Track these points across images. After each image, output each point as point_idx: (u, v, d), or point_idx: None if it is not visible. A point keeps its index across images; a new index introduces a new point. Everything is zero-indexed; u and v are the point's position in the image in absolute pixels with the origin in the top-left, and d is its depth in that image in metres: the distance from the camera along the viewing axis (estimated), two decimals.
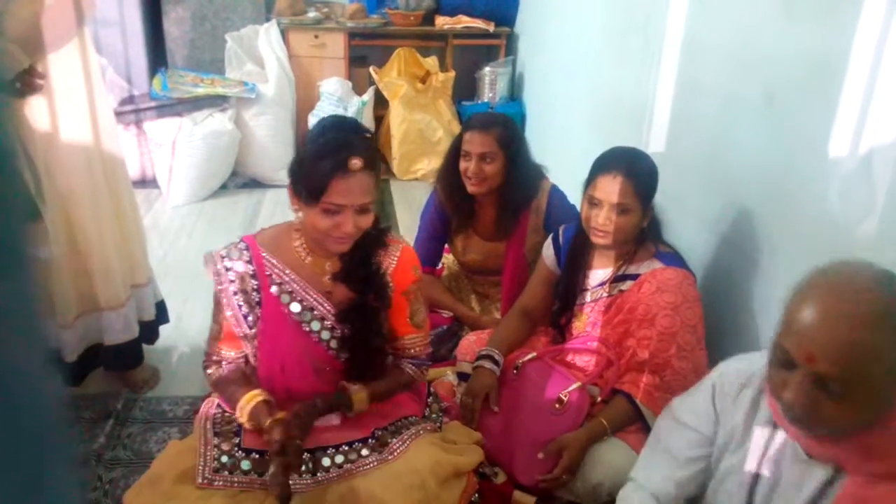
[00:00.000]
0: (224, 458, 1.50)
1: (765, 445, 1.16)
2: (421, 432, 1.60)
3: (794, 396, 0.98)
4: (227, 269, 1.56)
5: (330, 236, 1.48)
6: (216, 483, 1.44)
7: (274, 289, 1.56)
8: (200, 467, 1.46)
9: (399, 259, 1.63)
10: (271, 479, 1.33)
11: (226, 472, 1.47)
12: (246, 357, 1.63)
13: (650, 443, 1.45)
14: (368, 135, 1.51)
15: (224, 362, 1.61)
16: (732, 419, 1.23)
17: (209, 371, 1.61)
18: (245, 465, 1.49)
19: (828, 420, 0.98)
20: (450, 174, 2.25)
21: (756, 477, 1.16)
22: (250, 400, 1.47)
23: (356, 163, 1.41)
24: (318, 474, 1.46)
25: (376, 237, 1.61)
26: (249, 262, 1.57)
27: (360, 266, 1.58)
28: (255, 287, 1.56)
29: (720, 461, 1.26)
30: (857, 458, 1.02)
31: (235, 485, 1.44)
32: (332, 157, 1.42)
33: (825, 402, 0.97)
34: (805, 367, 0.97)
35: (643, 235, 1.86)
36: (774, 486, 1.14)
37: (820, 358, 0.95)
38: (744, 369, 1.25)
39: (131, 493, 1.45)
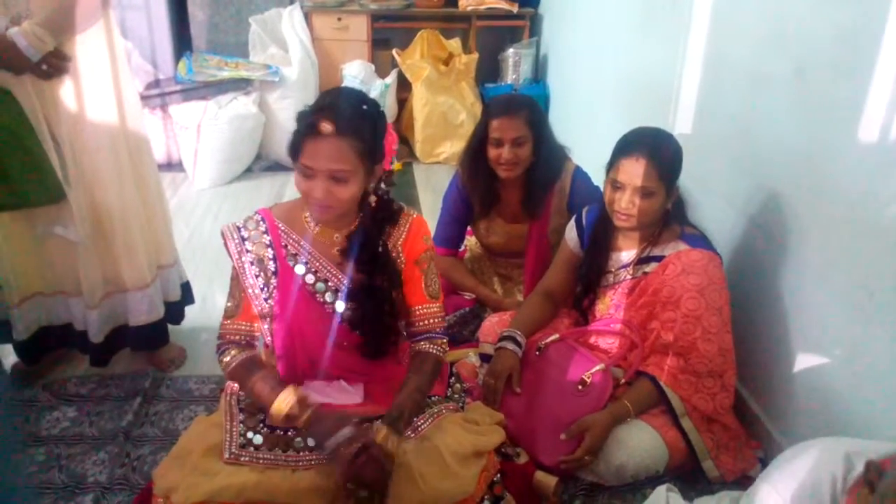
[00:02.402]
0: (249, 435, 1.52)
1: None
2: (443, 412, 1.61)
3: None
4: (244, 240, 1.57)
5: (308, 201, 1.50)
6: (242, 459, 1.46)
7: (290, 260, 1.58)
8: (227, 443, 1.48)
9: (409, 230, 1.63)
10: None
11: (252, 449, 1.49)
12: (264, 344, 1.64)
13: None
14: (365, 106, 1.49)
15: (242, 342, 1.61)
16: None
17: (225, 360, 1.60)
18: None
19: None
20: (474, 160, 2.23)
21: None
22: (283, 403, 1.46)
23: (325, 126, 1.41)
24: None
25: (386, 219, 1.61)
26: (266, 232, 1.58)
27: (364, 247, 1.58)
28: (272, 257, 1.58)
29: None
30: None
31: (261, 461, 1.46)
32: (309, 117, 1.44)
33: None
34: None
35: (668, 217, 1.83)
36: None
37: None
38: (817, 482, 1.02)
39: (160, 469, 1.47)
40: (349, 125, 1.44)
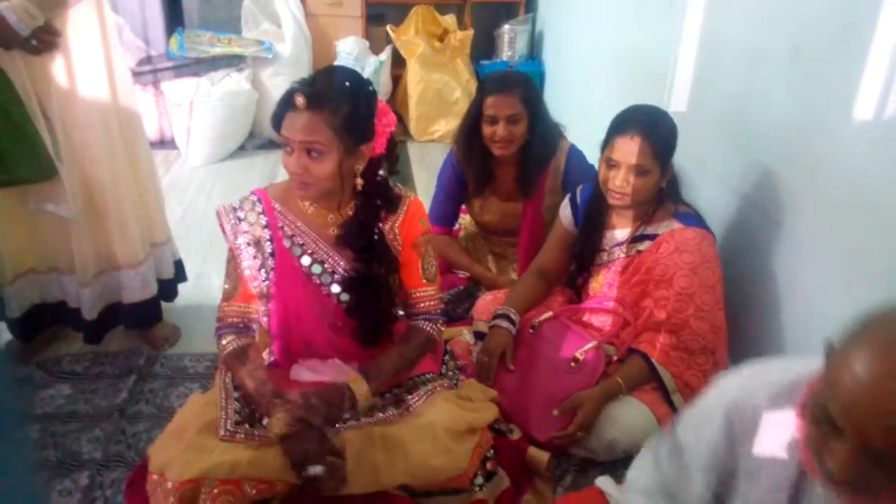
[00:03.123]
0: (245, 412, 1.52)
1: (793, 481, 1.00)
2: (437, 389, 1.62)
3: (840, 469, 0.84)
4: (240, 221, 1.57)
5: (290, 176, 1.52)
6: (238, 436, 1.46)
7: (286, 241, 1.57)
8: (222, 420, 1.49)
9: (406, 212, 1.63)
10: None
11: (247, 426, 1.49)
12: (260, 326, 1.64)
13: (651, 453, 1.28)
14: (348, 83, 1.49)
15: (243, 323, 1.61)
16: (750, 448, 1.06)
17: (223, 342, 1.59)
18: (265, 419, 1.51)
19: (876, 492, 0.85)
20: (469, 137, 2.22)
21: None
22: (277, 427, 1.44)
23: (299, 99, 1.44)
24: (338, 426, 1.48)
25: (384, 205, 1.61)
26: (262, 213, 1.58)
27: (359, 234, 1.57)
28: (269, 238, 1.57)
29: (733, 485, 1.10)
30: None
31: (256, 438, 1.47)
32: (289, 92, 1.47)
33: (876, 474, 0.82)
34: (854, 438, 0.82)
35: (662, 195, 1.83)
36: None
37: (874, 434, 0.80)
38: (768, 383, 1.05)
39: (155, 447, 1.47)
40: (323, 99, 1.45)
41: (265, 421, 1.47)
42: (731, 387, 1.10)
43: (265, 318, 1.64)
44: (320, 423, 1.41)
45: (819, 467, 0.89)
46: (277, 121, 1.49)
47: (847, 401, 0.82)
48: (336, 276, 1.59)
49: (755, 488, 1.04)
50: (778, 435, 1.01)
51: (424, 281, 1.67)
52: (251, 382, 1.51)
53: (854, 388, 0.81)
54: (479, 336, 2.06)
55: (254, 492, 1.38)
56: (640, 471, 1.27)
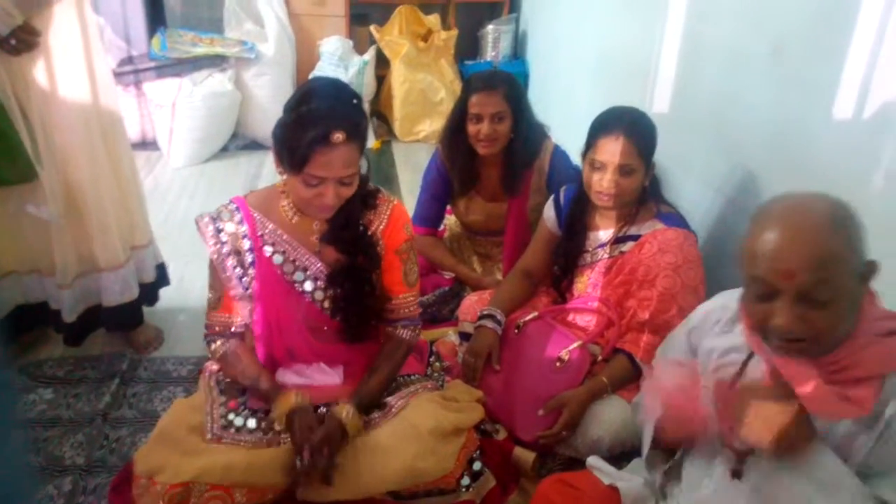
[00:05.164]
0: (231, 416, 1.51)
1: (739, 366, 1.20)
2: (420, 390, 1.62)
3: (786, 320, 1.02)
4: (219, 231, 1.56)
5: (311, 205, 1.47)
6: (224, 440, 1.46)
7: (267, 249, 1.56)
8: (209, 424, 1.48)
9: (390, 217, 1.62)
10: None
11: (233, 430, 1.49)
12: (247, 325, 1.63)
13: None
14: (356, 101, 1.48)
15: (228, 331, 1.61)
16: (708, 345, 1.29)
17: (212, 347, 1.61)
18: (251, 423, 1.51)
19: (821, 332, 1.03)
20: (454, 137, 2.22)
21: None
22: (286, 405, 1.48)
23: (339, 136, 1.38)
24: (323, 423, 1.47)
25: (363, 199, 1.59)
26: (241, 222, 1.56)
27: (345, 228, 1.57)
28: (249, 248, 1.56)
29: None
30: (830, 372, 1.06)
31: (242, 443, 1.46)
32: (315, 128, 1.37)
33: (814, 314, 1.01)
34: (786, 287, 1.01)
35: (644, 195, 1.85)
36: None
37: (799, 270, 1.00)
38: (721, 305, 1.30)
39: (143, 451, 1.45)
40: (357, 129, 1.42)
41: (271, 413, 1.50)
42: (695, 313, 1.37)
43: (250, 319, 1.64)
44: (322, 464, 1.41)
45: (766, 337, 1.07)
46: (301, 160, 1.40)
47: (770, 258, 1.02)
48: (319, 283, 1.59)
49: (710, 376, 1.23)
50: (725, 335, 1.25)
51: (406, 287, 1.67)
52: (246, 380, 1.54)
53: (771, 247, 1.02)
54: (464, 337, 2.06)
55: (244, 499, 1.38)
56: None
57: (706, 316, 1.33)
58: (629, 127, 1.75)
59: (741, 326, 1.19)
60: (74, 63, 1.88)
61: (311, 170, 1.40)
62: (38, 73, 1.82)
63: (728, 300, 1.22)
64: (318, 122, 1.38)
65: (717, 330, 1.28)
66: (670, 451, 1.36)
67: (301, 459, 1.39)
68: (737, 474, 1.17)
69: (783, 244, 1.02)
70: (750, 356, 1.20)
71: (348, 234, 1.57)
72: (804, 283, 1.00)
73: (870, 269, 1.05)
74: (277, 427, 1.49)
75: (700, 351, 1.31)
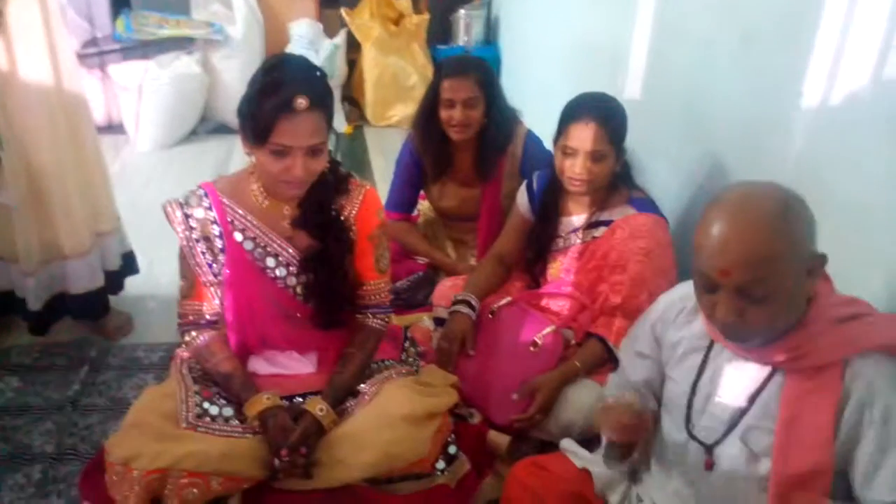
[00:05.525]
0: (206, 405, 1.50)
1: (703, 354, 1.23)
2: (394, 375, 1.62)
3: (724, 314, 1.06)
4: (188, 217, 1.53)
5: (281, 180, 1.45)
6: (199, 429, 1.44)
7: (237, 235, 1.55)
8: (183, 413, 1.46)
9: (362, 202, 1.61)
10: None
11: (207, 419, 1.47)
12: (220, 314, 1.62)
13: (618, 372, 1.52)
14: (318, 73, 1.46)
15: (202, 320, 1.59)
16: (672, 337, 1.31)
17: (186, 339, 1.59)
18: (227, 411, 1.50)
19: (758, 326, 1.06)
20: (427, 122, 2.22)
21: (697, 378, 1.23)
22: (256, 408, 1.47)
23: (301, 101, 1.36)
24: (298, 420, 1.47)
25: (334, 183, 1.58)
26: (210, 208, 1.54)
27: (317, 212, 1.56)
28: (218, 234, 1.54)
29: (666, 372, 1.33)
30: (788, 359, 1.10)
31: (217, 432, 1.45)
32: (277, 95, 1.36)
33: (752, 309, 1.04)
34: (725, 282, 1.04)
35: (616, 180, 1.86)
36: (714, 383, 1.21)
37: (734, 269, 1.03)
38: (682, 295, 1.32)
39: (115, 439, 1.43)
40: (319, 96, 1.40)
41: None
42: (656, 305, 1.39)
43: (222, 308, 1.62)
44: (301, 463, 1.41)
45: (714, 325, 1.11)
46: (265, 131, 1.38)
47: (710, 255, 1.05)
48: (291, 269, 1.58)
49: (677, 369, 1.28)
50: (688, 324, 1.28)
51: (377, 273, 1.66)
52: (218, 377, 1.53)
53: (711, 244, 1.05)
54: (438, 322, 2.07)
55: (220, 487, 1.37)
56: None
57: (668, 307, 1.34)
58: (600, 113, 1.77)
59: (702, 316, 1.21)
60: (35, 44, 1.84)
61: (277, 138, 1.38)
62: None
63: (688, 290, 1.25)
64: (279, 89, 1.37)
65: (680, 320, 1.30)
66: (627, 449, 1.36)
67: (279, 459, 1.39)
68: (708, 465, 1.20)
69: (722, 242, 1.04)
70: (711, 345, 1.22)
71: (321, 218, 1.56)
72: (740, 281, 1.03)
73: (819, 262, 1.07)
74: (249, 417, 1.48)
75: (664, 343, 1.33)
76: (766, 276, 1.02)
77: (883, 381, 1.04)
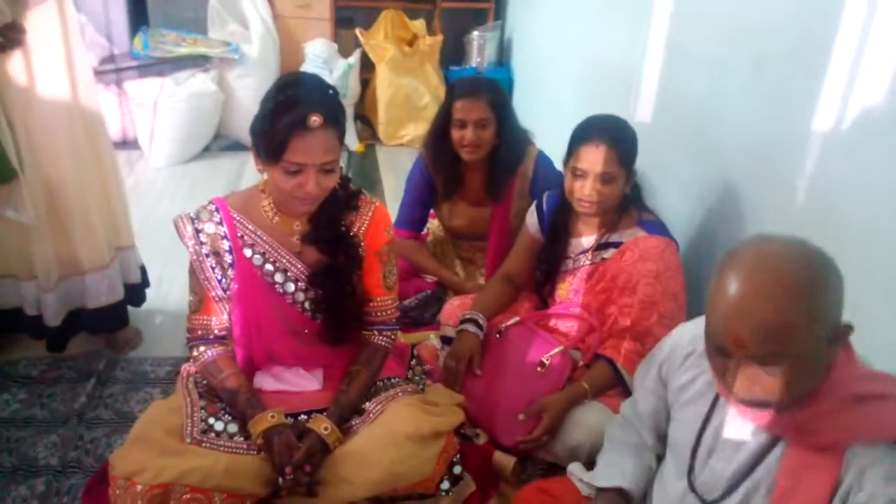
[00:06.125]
0: (211, 420, 1.49)
1: (710, 403, 1.18)
2: (399, 393, 1.61)
3: (737, 383, 0.99)
4: (198, 232, 1.54)
5: (294, 197, 1.46)
6: (204, 445, 1.43)
7: (247, 251, 1.55)
8: (188, 428, 1.46)
9: (371, 219, 1.61)
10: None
11: (213, 435, 1.47)
12: (228, 329, 1.62)
13: (631, 399, 1.50)
14: (331, 90, 1.47)
15: (210, 335, 1.59)
16: (678, 381, 1.26)
17: (194, 353, 1.59)
18: (232, 427, 1.50)
19: (769, 395, 1.00)
20: (438, 141, 2.23)
21: (702, 428, 1.18)
22: (261, 426, 1.46)
23: (315, 119, 1.37)
24: (303, 439, 1.46)
25: (345, 199, 1.59)
26: (220, 223, 1.55)
27: (327, 228, 1.56)
28: (228, 248, 1.55)
29: (671, 413, 1.30)
30: (795, 432, 1.04)
31: (222, 448, 1.44)
32: (291, 113, 1.37)
33: (764, 378, 0.98)
34: (737, 352, 0.97)
35: (626, 202, 1.86)
36: (718, 437, 1.16)
37: (749, 341, 0.95)
38: (691, 338, 1.26)
39: (120, 452, 1.42)
40: (333, 114, 1.42)
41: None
42: (663, 344, 1.33)
43: (230, 323, 1.62)
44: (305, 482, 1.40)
45: (727, 391, 1.04)
46: (279, 149, 1.39)
47: (723, 322, 0.98)
48: (300, 284, 1.58)
49: (682, 413, 1.24)
50: (696, 369, 1.22)
51: (384, 290, 1.66)
52: (224, 393, 1.53)
53: (726, 311, 0.97)
54: (446, 341, 2.06)
55: None
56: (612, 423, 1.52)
57: (675, 348, 1.29)
58: (610, 135, 1.77)
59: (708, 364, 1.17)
60: (55, 62, 1.86)
61: (290, 156, 1.39)
62: (18, 71, 1.79)
63: (699, 331, 1.15)
64: (294, 107, 1.38)
65: (688, 364, 1.24)
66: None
67: (284, 477, 1.38)
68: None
69: (738, 308, 0.96)
70: (717, 397, 1.17)
71: (331, 234, 1.57)
72: (754, 353, 0.96)
73: (842, 332, 0.99)
74: (253, 436, 1.48)
75: (670, 386, 1.28)
76: (782, 349, 0.95)
77: (874, 472, 0.96)
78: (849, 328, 1.00)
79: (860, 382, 1.02)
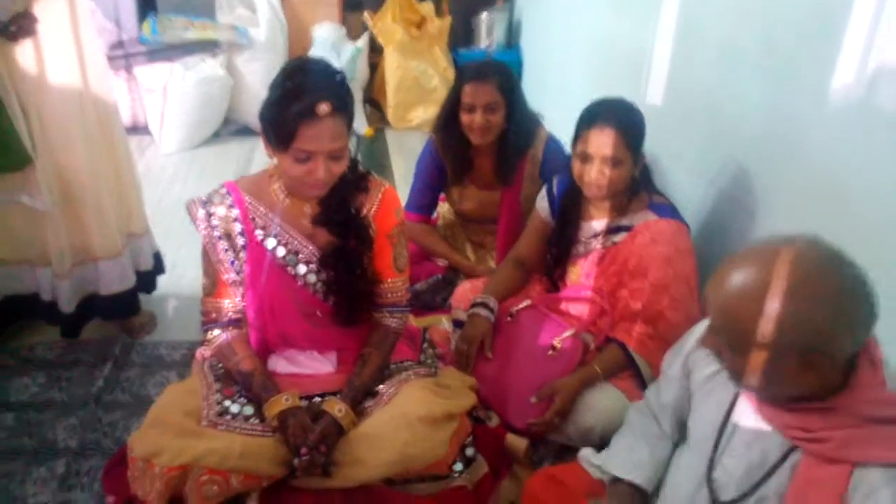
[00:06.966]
0: (227, 403, 1.52)
1: (732, 398, 1.18)
2: (412, 376, 1.63)
3: (748, 376, 1.02)
4: (210, 215, 1.55)
5: (304, 183, 1.47)
6: (220, 427, 1.46)
7: (259, 233, 1.57)
8: (205, 411, 1.48)
9: (381, 201, 1.62)
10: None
11: (228, 417, 1.49)
12: (242, 311, 1.63)
13: (654, 386, 1.49)
14: (339, 76, 1.47)
15: (225, 318, 1.61)
16: (701, 374, 1.27)
17: (209, 336, 1.61)
18: (248, 410, 1.52)
19: (785, 387, 1.02)
20: (448, 125, 2.23)
21: (724, 422, 1.18)
22: (275, 408, 1.48)
23: (324, 107, 1.37)
24: (318, 420, 1.48)
25: (354, 181, 1.60)
26: (232, 206, 1.56)
27: (338, 210, 1.57)
28: (240, 231, 1.56)
29: (692, 404, 1.30)
30: (803, 437, 1.04)
31: (238, 430, 1.47)
32: (299, 101, 1.37)
33: (775, 367, 0.99)
34: (740, 343, 1.00)
35: (635, 185, 1.86)
36: (737, 433, 1.16)
37: (750, 329, 0.98)
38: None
39: (138, 435, 1.45)
40: (341, 100, 1.42)
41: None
42: (691, 334, 1.34)
43: (243, 304, 1.64)
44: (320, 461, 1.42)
45: (739, 384, 1.07)
46: (288, 136, 1.39)
47: (722, 309, 1.02)
48: (311, 266, 1.59)
49: (704, 405, 1.25)
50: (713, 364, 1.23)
51: (395, 271, 1.67)
52: (238, 376, 1.55)
53: (725, 298, 1.01)
54: (457, 324, 2.07)
55: (239, 485, 1.39)
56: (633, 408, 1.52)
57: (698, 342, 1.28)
58: (617, 119, 1.76)
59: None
60: (66, 49, 1.87)
61: (300, 144, 1.40)
62: (28, 59, 1.80)
63: None
64: (302, 95, 1.38)
65: (709, 359, 1.24)
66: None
67: (299, 458, 1.40)
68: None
69: (735, 298, 1.00)
70: (738, 392, 1.17)
71: (341, 216, 1.58)
72: (758, 339, 0.98)
73: (860, 350, 1.00)
74: (268, 417, 1.50)
75: (693, 377, 1.30)
76: (793, 340, 0.96)
77: (882, 496, 0.95)
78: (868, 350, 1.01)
79: (883, 406, 1.01)
